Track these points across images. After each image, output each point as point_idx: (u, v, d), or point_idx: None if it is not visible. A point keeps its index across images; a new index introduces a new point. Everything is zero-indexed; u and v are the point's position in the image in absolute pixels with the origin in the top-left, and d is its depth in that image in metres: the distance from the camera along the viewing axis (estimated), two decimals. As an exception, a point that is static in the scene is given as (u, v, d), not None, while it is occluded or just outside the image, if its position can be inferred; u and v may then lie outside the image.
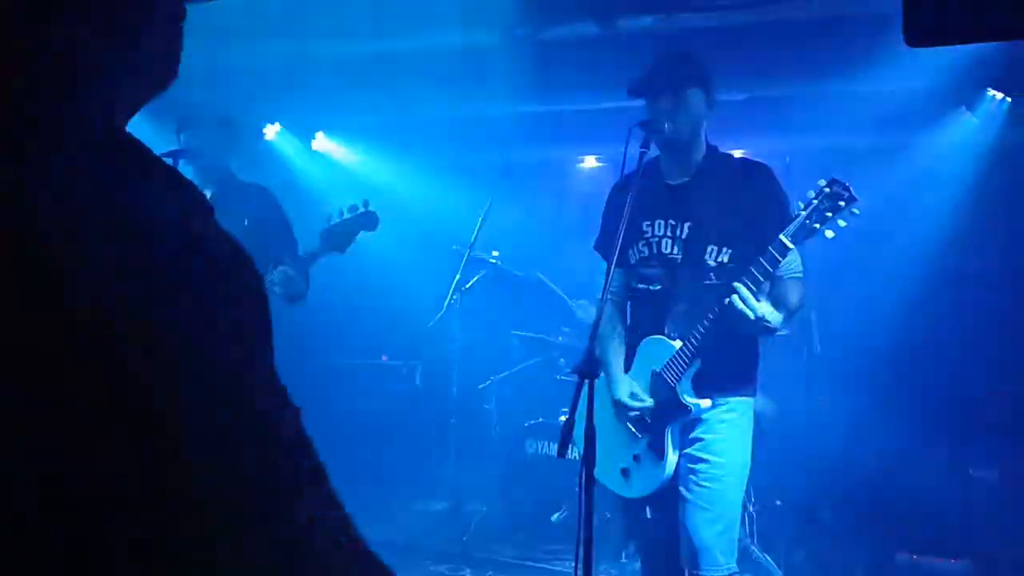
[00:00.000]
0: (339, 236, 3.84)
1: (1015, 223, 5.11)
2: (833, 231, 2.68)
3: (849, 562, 4.99)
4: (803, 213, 2.68)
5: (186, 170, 3.92)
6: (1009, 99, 4.94)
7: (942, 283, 5.31)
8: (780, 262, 2.70)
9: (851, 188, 2.66)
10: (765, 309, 2.69)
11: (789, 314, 2.81)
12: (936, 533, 4.95)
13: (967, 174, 5.27)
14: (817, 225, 2.66)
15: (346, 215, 3.84)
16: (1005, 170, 5.10)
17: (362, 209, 3.84)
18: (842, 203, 2.65)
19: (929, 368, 5.38)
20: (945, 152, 5.35)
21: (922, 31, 1.29)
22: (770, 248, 2.69)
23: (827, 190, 2.67)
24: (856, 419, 5.37)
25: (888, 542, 5.05)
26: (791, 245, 2.68)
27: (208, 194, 4.11)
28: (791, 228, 2.68)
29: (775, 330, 2.78)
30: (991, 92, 4.96)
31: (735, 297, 2.67)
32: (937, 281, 5.31)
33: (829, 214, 2.66)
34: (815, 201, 2.68)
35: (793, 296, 2.83)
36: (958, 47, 4.24)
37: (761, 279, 2.70)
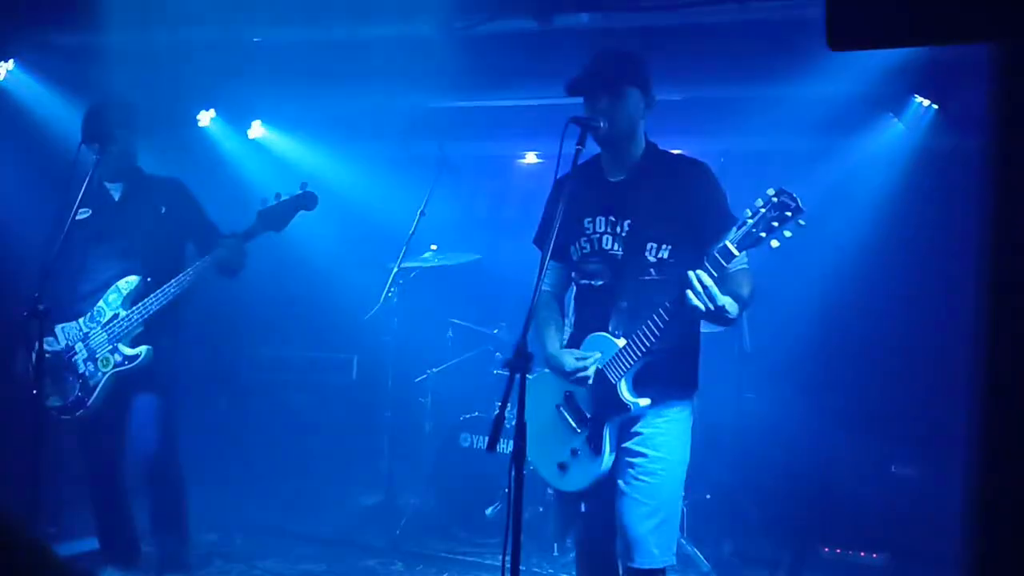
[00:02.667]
0: (277, 216, 3.96)
1: (939, 227, 5.25)
2: (779, 241, 2.67)
3: (775, 556, 5.09)
4: (750, 221, 2.67)
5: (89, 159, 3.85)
6: (936, 106, 5.06)
7: (869, 285, 5.44)
8: (725, 267, 2.70)
9: (798, 199, 2.64)
10: (725, 300, 2.69)
11: (745, 304, 2.80)
12: (858, 528, 5.07)
13: (894, 178, 5.40)
14: (763, 234, 2.66)
15: (284, 196, 3.96)
16: (930, 175, 5.24)
17: (300, 190, 3.96)
18: (789, 213, 2.64)
19: (855, 367, 5.51)
20: (873, 156, 5.48)
21: (843, 35, 1.32)
22: (715, 253, 2.70)
23: (774, 199, 2.66)
24: (784, 416, 5.48)
25: (812, 536, 5.16)
26: (736, 252, 2.69)
27: (119, 189, 4.10)
28: (738, 235, 2.68)
29: (733, 320, 2.78)
30: (918, 99, 5.08)
31: (692, 280, 2.65)
32: (864, 283, 5.44)
33: (775, 224, 2.65)
34: (762, 210, 2.67)
35: (745, 288, 2.83)
36: (885, 52, 4.35)
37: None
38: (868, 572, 4.95)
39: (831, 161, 5.56)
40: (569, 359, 2.97)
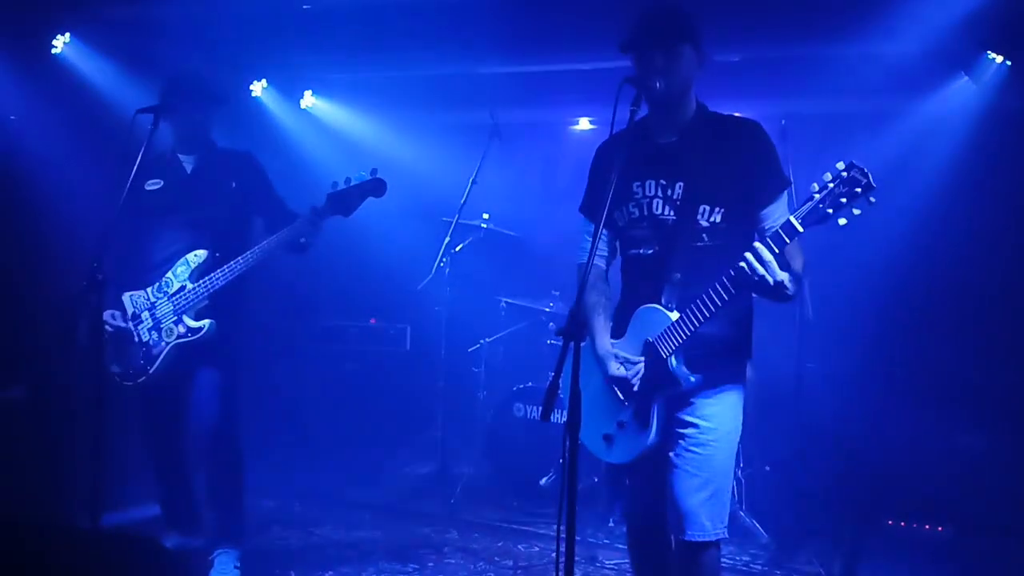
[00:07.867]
0: (346, 200, 3.97)
1: (1012, 190, 5.04)
2: (846, 219, 2.51)
3: (836, 528, 4.99)
4: (817, 197, 2.53)
5: (164, 127, 3.87)
6: (1009, 62, 4.84)
7: (936, 251, 5.26)
8: (788, 244, 2.58)
9: (870, 175, 2.47)
10: (783, 275, 2.58)
11: (798, 280, 2.70)
12: (922, 500, 4.95)
13: (964, 139, 5.18)
14: (830, 211, 2.51)
15: (354, 181, 3.96)
16: (1002, 135, 5.02)
17: (369, 176, 3.97)
18: (859, 190, 2.48)
19: (920, 336, 5.36)
20: (942, 117, 5.26)
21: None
22: (779, 229, 2.58)
23: (844, 174, 2.50)
24: (847, 386, 5.35)
25: (874, 508, 5.05)
26: (801, 228, 2.56)
27: (192, 162, 4.14)
28: (803, 211, 2.55)
29: (792, 297, 2.66)
30: (990, 55, 4.85)
31: (750, 256, 2.56)
32: (931, 249, 5.26)
33: (844, 200, 2.49)
34: (831, 185, 2.51)
35: (797, 261, 2.74)
36: (955, 4, 4.14)
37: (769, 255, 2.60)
38: (932, 545, 4.83)
39: (898, 123, 5.36)
40: (613, 365, 2.91)
